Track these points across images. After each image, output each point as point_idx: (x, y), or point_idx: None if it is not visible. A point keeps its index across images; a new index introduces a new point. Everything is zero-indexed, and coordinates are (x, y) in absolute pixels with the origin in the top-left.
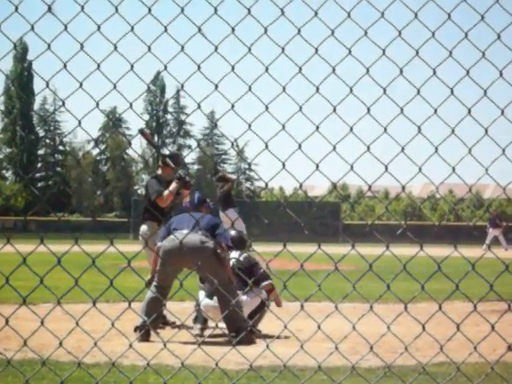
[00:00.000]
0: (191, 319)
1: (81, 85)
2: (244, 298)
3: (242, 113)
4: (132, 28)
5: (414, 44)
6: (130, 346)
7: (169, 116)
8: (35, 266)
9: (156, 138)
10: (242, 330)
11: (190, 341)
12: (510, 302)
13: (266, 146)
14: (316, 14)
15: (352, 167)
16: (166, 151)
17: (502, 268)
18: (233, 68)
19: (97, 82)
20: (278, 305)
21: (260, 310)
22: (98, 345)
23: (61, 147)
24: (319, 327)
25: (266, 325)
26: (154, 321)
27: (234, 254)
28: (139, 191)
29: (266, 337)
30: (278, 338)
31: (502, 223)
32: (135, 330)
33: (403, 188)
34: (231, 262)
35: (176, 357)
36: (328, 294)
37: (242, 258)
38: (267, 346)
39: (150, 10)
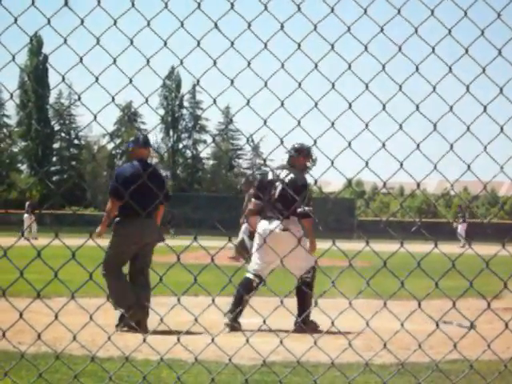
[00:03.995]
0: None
1: (97, 79)
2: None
3: (258, 108)
4: (148, 23)
5: (430, 41)
6: (144, 340)
7: (184, 111)
8: (49, 259)
9: (171, 133)
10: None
11: (204, 335)
12: None
13: (282, 142)
14: (332, 10)
15: (367, 163)
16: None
17: None
18: (249, 63)
19: (113, 77)
20: (313, 249)
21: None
22: (111, 339)
23: (76, 141)
24: (333, 323)
25: (280, 320)
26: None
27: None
28: None
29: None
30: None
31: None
32: None
33: (418, 185)
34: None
35: (189, 351)
36: (342, 291)
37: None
38: (281, 342)
39: (166, 4)
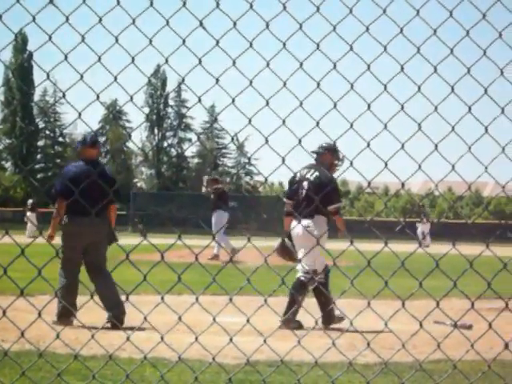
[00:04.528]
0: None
1: (82, 77)
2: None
3: (243, 107)
4: (133, 21)
5: (415, 41)
6: (128, 338)
7: (169, 109)
8: (33, 257)
9: (156, 131)
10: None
11: (188, 334)
12: (507, 299)
13: (266, 141)
14: (318, 9)
15: (352, 163)
16: None
17: (499, 266)
18: (234, 62)
19: (98, 75)
20: (342, 235)
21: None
22: (95, 337)
23: (61, 139)
24: (316, 322)
25: (263, 319)
26: None
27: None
28: (139, 184)
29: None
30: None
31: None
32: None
33: (403, 185)
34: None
35: (173, 350)
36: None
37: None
38: (264, 341)
39: (152, 2)
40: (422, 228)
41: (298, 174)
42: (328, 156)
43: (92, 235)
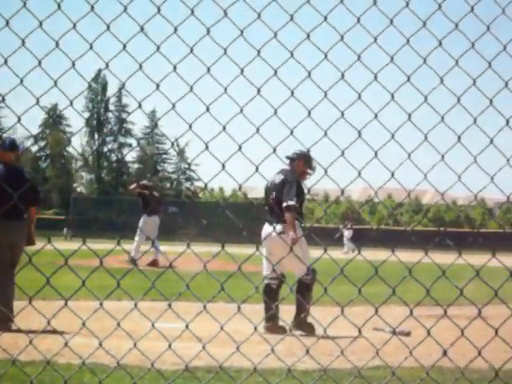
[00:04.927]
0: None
1: (21, 81)
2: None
3: (184, 113)
4: (74, 25)
5: (356, 49)
6: (66, 344)
7: (110, 114)
8: None
9: (96, 136)
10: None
11: (126, 340)
12: (445, 307)
13: (206, 147)
14: (259, 15)
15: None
16: None
17: (438, 273)
18: (175, 68)
19: (38, 79)
20: (294, 242)
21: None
22: (33, 342)
23: None
24: (255, 329)
25: (203, 325)
26: None
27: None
28: (79, 189)
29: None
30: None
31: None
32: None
33: (342, 192)
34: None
35: (112, 356)
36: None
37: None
38: (203, 347)
39: (92, 7)
40: (348, 234)
41: (270, 180)
42: (300, 163)
43: (15, 238)
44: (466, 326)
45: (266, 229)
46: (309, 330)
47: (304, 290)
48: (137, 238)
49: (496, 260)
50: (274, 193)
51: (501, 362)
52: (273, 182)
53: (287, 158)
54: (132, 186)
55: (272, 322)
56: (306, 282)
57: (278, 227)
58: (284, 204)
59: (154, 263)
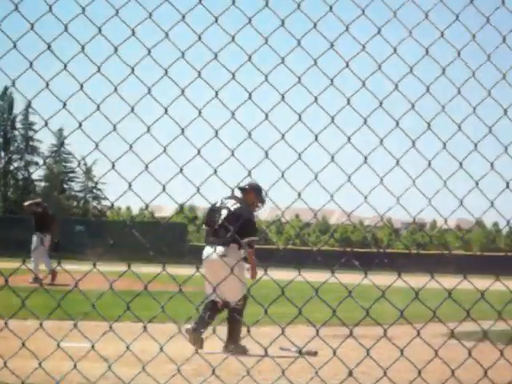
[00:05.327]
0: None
1: None
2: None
3: (90, 132)
4: None
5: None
6: None
7: (16, 132)
8: None
9: (3, 154)
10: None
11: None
12: (351, 327)
13: (113, 166)
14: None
15: (198, 189)
16: None
17: (345, 293)
18: (81, 86)
19: None
20: (254, 276)
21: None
22: None
23: None
24: (161, 349)
25: (109, 345)
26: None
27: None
28: None
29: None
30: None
31: None
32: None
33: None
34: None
35: (17, 376)
36: (172, 316)
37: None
38: (109, 367)
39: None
40: None
41: (219, 202)
42: (251, 195)
43: None
44: (371, 346)
45: (208, 250)
46: (242, 351)
47: (236, 314)
48: (33, 258)
49: (402, 280)
50: (224, 217)
51: (406, 382)
52: (224, 206)
53: (239, 188)
54: (27, 203)
55: (197, 331)
56: (237, 307)
57: (220, 249)
58: (247, 239)
59: (53, 277)
